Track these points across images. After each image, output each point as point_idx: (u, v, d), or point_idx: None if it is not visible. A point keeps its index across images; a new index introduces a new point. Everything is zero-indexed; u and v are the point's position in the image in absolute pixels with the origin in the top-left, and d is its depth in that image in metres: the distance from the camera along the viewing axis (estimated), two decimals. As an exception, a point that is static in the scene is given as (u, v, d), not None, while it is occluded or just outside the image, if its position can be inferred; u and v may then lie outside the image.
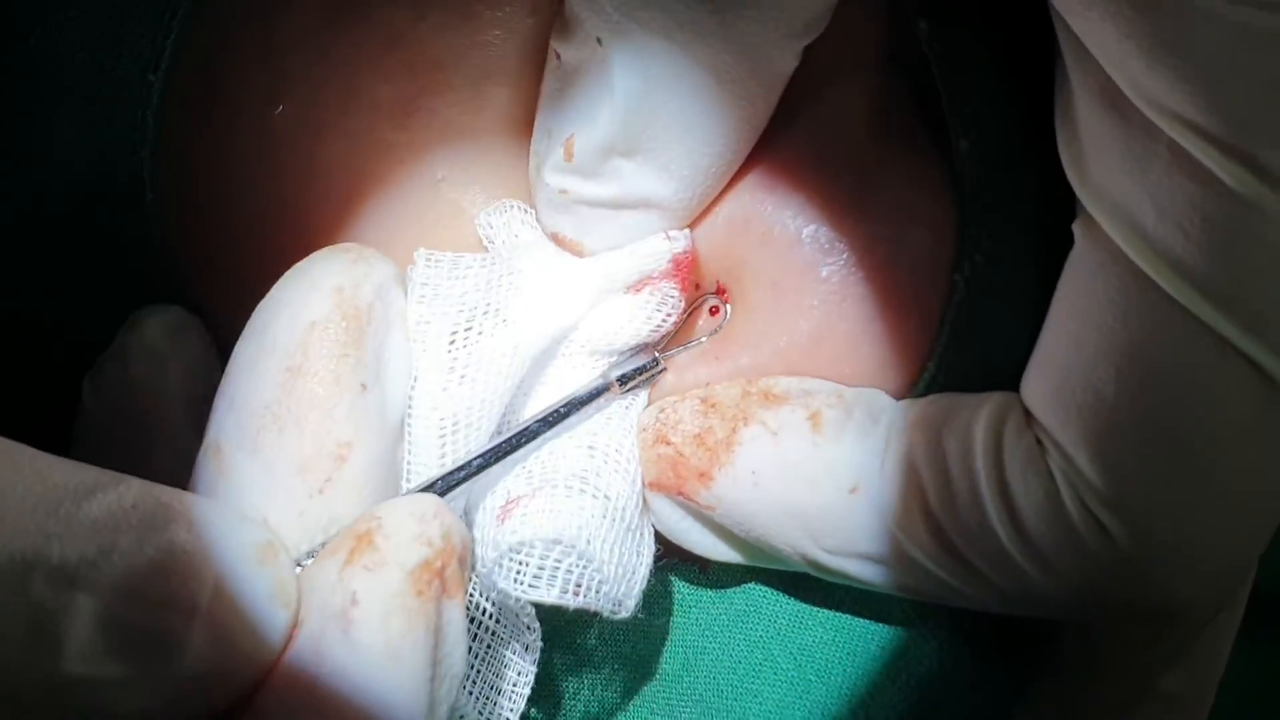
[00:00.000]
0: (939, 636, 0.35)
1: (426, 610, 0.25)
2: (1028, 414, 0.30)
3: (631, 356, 0.33)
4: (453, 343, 0.31)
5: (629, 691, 0.36)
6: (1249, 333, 0.27)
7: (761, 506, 0.32)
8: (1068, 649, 0.35)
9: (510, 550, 0.30)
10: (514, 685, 0.32)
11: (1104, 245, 0.28)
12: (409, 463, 0.30)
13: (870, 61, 0.34)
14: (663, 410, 0.33)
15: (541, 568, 0.30)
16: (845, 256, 0.33)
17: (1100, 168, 0.28)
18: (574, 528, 0.30)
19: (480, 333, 0.31)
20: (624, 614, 0.31)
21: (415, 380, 0.31)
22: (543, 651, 0.34)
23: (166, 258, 0.35)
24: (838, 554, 0.32)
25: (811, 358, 0.33)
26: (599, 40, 0.30)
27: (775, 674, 0.36)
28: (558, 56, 0.32)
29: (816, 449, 0.31)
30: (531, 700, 0.36)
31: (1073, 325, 0.29)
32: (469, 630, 0.32)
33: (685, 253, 0.33)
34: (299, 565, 0.26)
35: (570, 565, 0.30)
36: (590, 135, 0.32)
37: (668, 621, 0.37)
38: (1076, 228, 0.30)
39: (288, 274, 0.29)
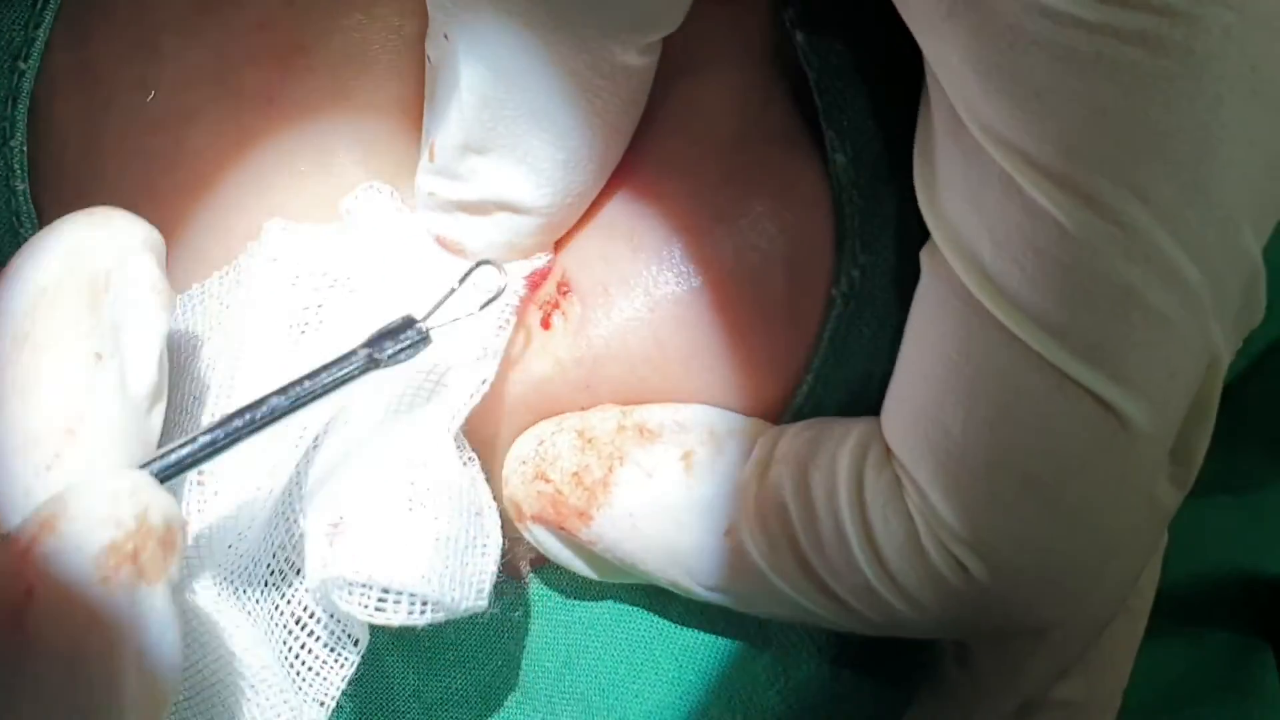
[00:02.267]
0: (817, 643, 0.36)
1: (115, 601, 0.23)
2: (888, 447, 0.30)
3: (392, 326, 0.31)
4: (293, 324, 0.31)
5: (509, 689, 0.37)
6: (1087, 364, 0.27)
7: (639, 545, 0.32)
8: (947, 665, 0.35)
9: (346, 582, 0.30)
10: (330, 672, 0.32)
11: (947, 276, 0.29)
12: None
13: (746, 65, 0.34)
14: (541, 443, 0.33)
15: (383, 602, 0.30)
16: (718, 266, 0.33)
17: (946, 195, 0.28)
18: (404, 569, 0.30)
19: (320, 306, 0.31)
20: (478, 610, 0.31)
21: (244, 350, 0.30)
22: (418, 649, 0.34)
23: None
24: (715, 590, 0.32)
25: (685, 368, 0.33)
26: (446, 36, 0.30)
27: (657, 673, 0.36)
28: (429, 59, 0.32)
29: (689, 491, 0.32)
30: (412, 699, 0.36)
31: (920, 358, 0.29)
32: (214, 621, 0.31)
33: (544, 268, 0.33)
34: None
35: (410, 603, 0.30)
36: (446, 133, 0.32)
37: (549, 619, 0.37)
38: (923, 256, 0.30)
39: (30, 240, 0.28)
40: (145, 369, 0.28)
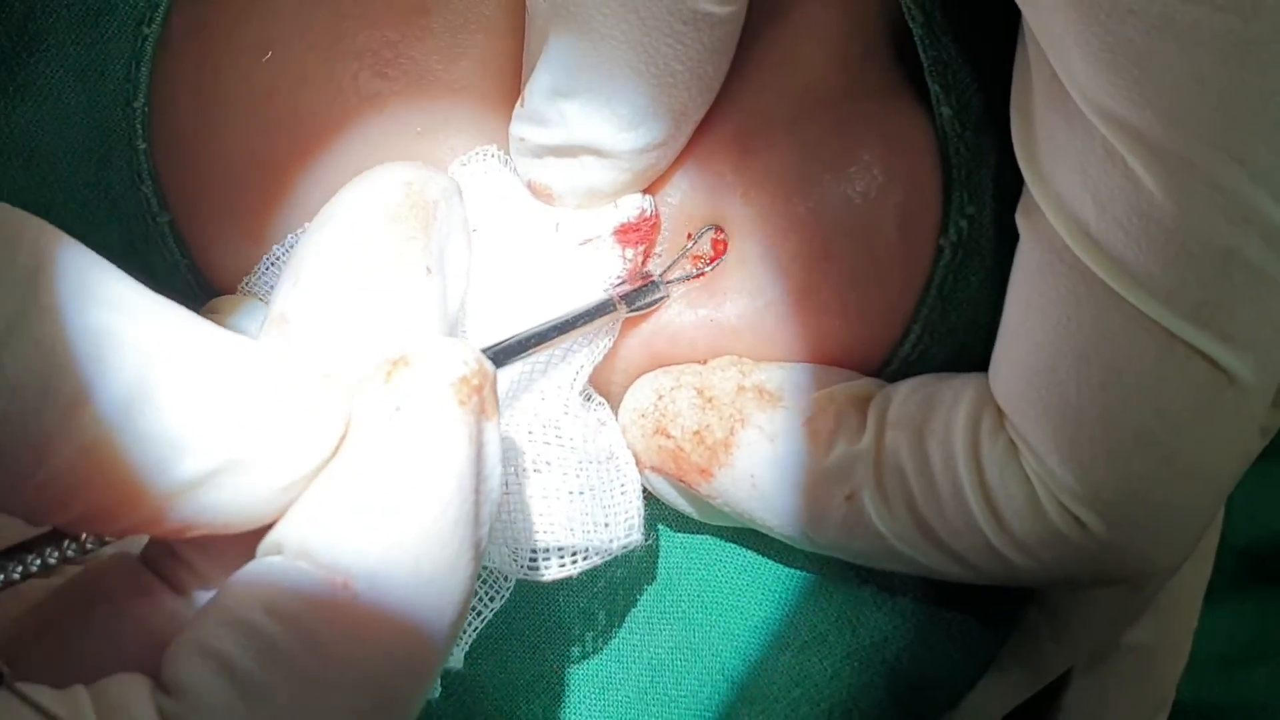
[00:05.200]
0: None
1: (469, 421, 0.25)
2: (1000, 410, 0.32)
3: (632, 281, 0.34)
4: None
5: (607, 610, 0.39)
6: (1194, 324, 0.28)
7: (759, 504, 0.34)
8: (1033, 612, 0.37)
9: (496, 548, 0.32)
10: (484, 606, 0.34)
11: (1049, 239, 0.30)
12: None
13: (845, 16, 0.34)
14: (660, 397, 0.35)
15: (533, 560, 0.32)
16: (827, 216, 0.34)
17: (1047, 158, 0.30)
18: (545, 527, 0.32)
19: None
20: (633, 545, 0.34)
21: None
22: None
23: (158, 206, 0.37)
24: (831, 548, 0.34)
25: (795, 316, 0.35)
26: None
27: (762, 592, 0.38)
28: (528, 11, 0.34)
29: (811, 458, 0.33)
30: (507, 617, 0.38)
31: (1028, 322, 0.31)
32: None
33: (636, 220, 0.34)
34: None
35: (560, 556, 0.32)
36: (536, 79, 0.33)
37: (653, 542, 0.39)
38: (1019, 219, 0.31)
39: (357, 177, 0.30)
40: (456, 292, 0.31)
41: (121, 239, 0.38)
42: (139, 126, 0.36)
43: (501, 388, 0.34)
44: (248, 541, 0.25)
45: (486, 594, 0.34)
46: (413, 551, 0.24)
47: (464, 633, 0.34)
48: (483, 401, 0.25)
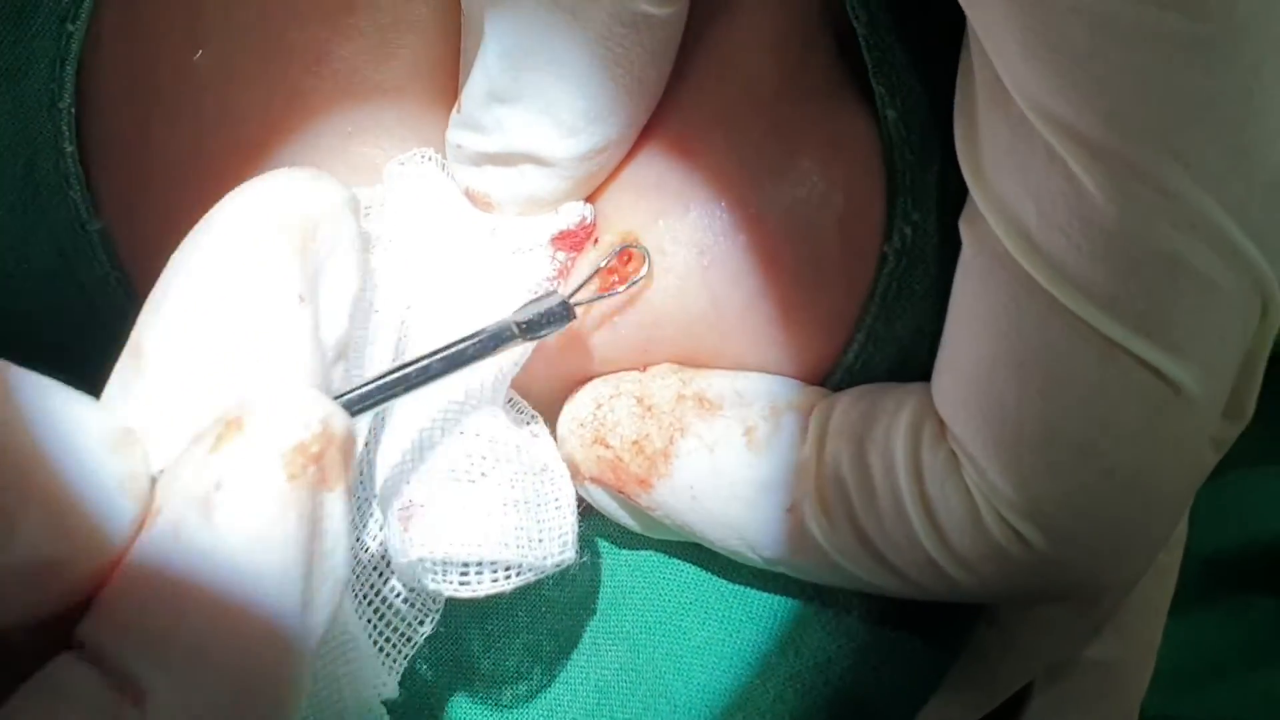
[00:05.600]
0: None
1: (300, 499, 0.23)
2: (941, 421, 0.31)
3: (536, 301, 0.33)
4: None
5: (554, 632, 0.38)
6: (1137, 333, 0.27)
7: (699, 517, 0.33)
8: (983, 630, 0.36)
9: (426, 562, 0.31)
10: (413, 631, 0.33)
11: (992, 246, 0.29)
12: None
13: (785, 16, 0.34)
14: (599, 406, 0.34)
15: (465, 574, 0.31)
16: (767, 222, 0.33)
17: (989, 162, 0.29)
18: (478, 540, 0.31)
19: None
20: (565, 563, 0.33)
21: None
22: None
23: (87, 214, 0.36)
24: (773, 563, 0.34)
25: (740, 326, 0.34)
26: None
27: (706, 612, 0.37)
28: (464, 13, 0.33)
29: (751, 468, 0.33)
30: (451, 642, 0.38)
31: (969, 330, 0.30)
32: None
33: (575, 228, 0.34)
34: None
35: (493, 571, 0.31)
36: (472, 84, 0.32)
37: (595, 562, 0.38)
38: (962, 225, 0.31)
39: (239, 187, 0.29)
40: (337, 320, 0.29)
41: (50, 247, 0.37)
42: (65, 128, 0.35)
43: (423, 397, 0.32)
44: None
45: (415, 617, 0.33)
46: (221, 657, 0.22)
47: (395, 660, 0.33)
48: (323, 470, 0.24)
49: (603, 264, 0.34)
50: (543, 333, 0.32)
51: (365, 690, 0.32)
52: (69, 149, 0.35)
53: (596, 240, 0.34)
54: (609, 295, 0.33)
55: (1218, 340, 0.27)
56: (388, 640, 0.33)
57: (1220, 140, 0.26)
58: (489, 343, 0.31)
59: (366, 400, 0.29)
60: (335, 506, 0.24)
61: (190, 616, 0.22)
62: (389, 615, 0.33)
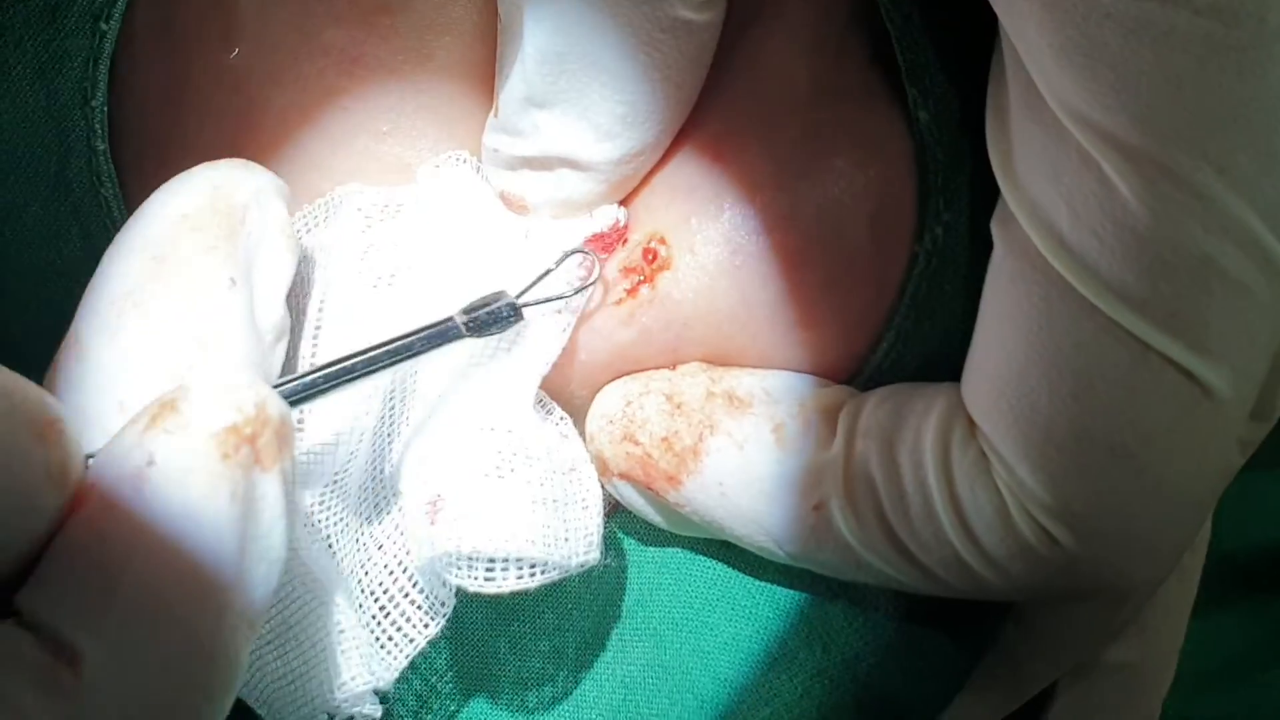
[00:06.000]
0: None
1: (233, 477, 0.24)
2: (971, 420, 0.31)
3: (485, 300, 0.33)
4: (375, 283, 0.33)
5: (581, 629, 0.38)
6: (1168, 334, 0.27)
7: (728, 513, 0.34)
8: (1009, 628, 0.36)
9: (453, 558, 0.31)
10: (416, 631, 0.33)
11: (1023, 247, 0.29)
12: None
13: (818, 20, 0.34)
14: (629, 404, 0.34)
15: (490, 569, 0.32)
16: (802, 222, 0.33)
17: (1022, 165, 0.29)
18: (506, 535, 0.31)
19: (393, 274, 0.33)
20: (590, 564, 0.33)
21: (327, 301, 0.32)
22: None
23: (119, 211, 0.36)
24: (800, 559, 0.34)
25: (770, 326, 0.34)
26: None
27: (733, 608, 0.38)
28: (500, 17, 0.33)
29: (780, 466, 0.33)
30: (480, 640, 0.38)
31: (1000, 331, 0.30)
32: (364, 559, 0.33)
33: (608, 230, 0.34)
34: None
35: (518, 568, 0.32)
36: (509, 89, 0.33)
37: (622, 560, 0.39)
38: (994, 227, 0.31)
39: (172, 179, 0.30)
40: (273, 304, 0.30)
41: (83, 244, 0.37)
42: (98, 126, 0.36)
43: (437, 389, 0.33)
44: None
45: (421, 620, 0.33)
46: (150, 628, 0.22)
47: (394, 658, 0.33)
48: (257, 452, 0.24)
49: (553, 269, 0.33)
50: (488, 332, 0.32)
51: (350, 682, 0.32)
52: (101, 147, 0.36)
53: (626, 241, 0.35)
54: (560, 298, 0.33)
55: (1248, 342, 0.28)
56: (390, 639, 0.33)
57: (1253, 144, 0.26)
58: (434, 338, 0.31)
59: (310, 389, 0.29)
60: (270, 488, 0.24)
61: (123, 586, 0.22)
62: (393, 614, 0.33)
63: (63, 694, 0.22)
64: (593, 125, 0.32)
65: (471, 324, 0.32)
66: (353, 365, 0.30)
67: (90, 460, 0.25)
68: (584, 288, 0.34)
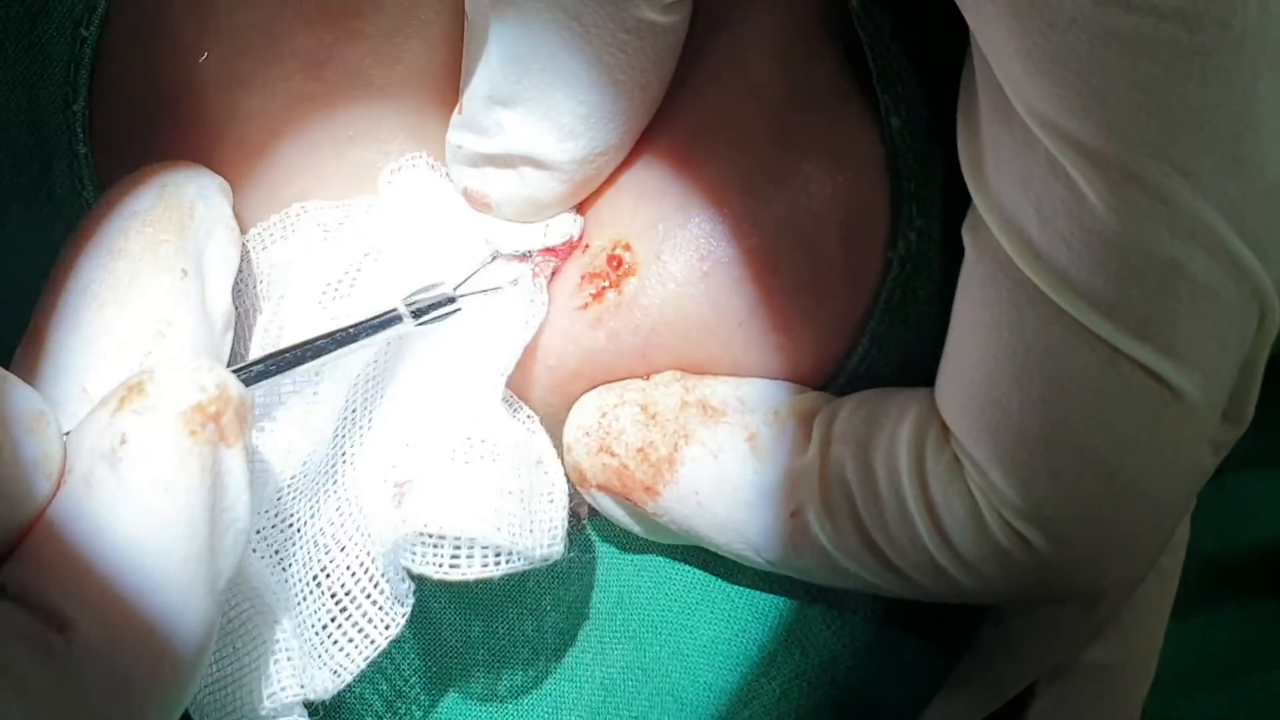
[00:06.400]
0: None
1: (201, 452, 0.25)
2: (945, 425, 0.32)
3: (425, 290, 0.34)
4: (325, 290, 0.34)
5: (559, 630, 0.38)
6: (1137, 338, 0.28)
7: (705, 522, 0.34)
8: (987, 630, 0.37)
9: (417, 538, 0.32)
10: (378, 632, 0.34)
11: (994, 253, 0.30)
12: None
13: (789, 24, 0.34)
14: (604, 415, 0.35)
15: (456, 555, 0.32)
16: (773, 227, 0.34)
17: (991, 170, 0.29)
18: (474, 518, 0.31)
19: (354, 280, 0.33)
20: (553, 557, 0.33)
21: (284, 305, 0.33)
22: (469, 593, 0.35)
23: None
24: (779, 565, 0.34)
25: (742, 333, 0.34)
26: None
27: (712, 610, 0.38)
28: (468, 16, 0.33)
29: (756, 474, 0.33)
30: (455, 644, 0.38)
31: (972, 336, 0.31)
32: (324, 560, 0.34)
33: (561, 245, 0.35)
34: None
35: (484, 555, 0.32)
36: (474, 86, 0.33)
37: (600, 561, 0.39)
38: (965, 233, 0.31)
39: (122, 179, 0.32)
40: (221, 294, 0.31)
41: (55, 244, 0.37)
42: (79, 130, 0.36)
43: (402, 391, 0.33)
44: None
45: (382, 620, 0.33)
46: (133, 594, 0.24)
47: (351, 661, 0.33)
48: (221, 429, 0.25)
49: (486, 263, 0.34)
50: (428, 318, 0.33)
51: (280, 693, 0.33)
52: (83, 151, 0.36)
53: (587, 246, 0.35)
54: (495, 289, 0.34)
55: (1216, 346, 0.28)
56: (350, 640, 0.33)
57: (1218, 149, 0.26)
58: (377, 325, 0.32)
59: (262, 373, 0.31)
60: (234, 462, 0.26)
61: (104, 557, 0.24)
62: (354, 614, 0.33)
63: (54, 659, 0.23)
64: (556, 124, 0.32)
65: (412, 309, 0.33)
66: (300, 351, 0.31)
67: (65, 438, 0.26)
68: (495, 288, 0.34)
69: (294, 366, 0.31)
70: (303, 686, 0.33)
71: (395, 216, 0.34)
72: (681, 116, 0.34)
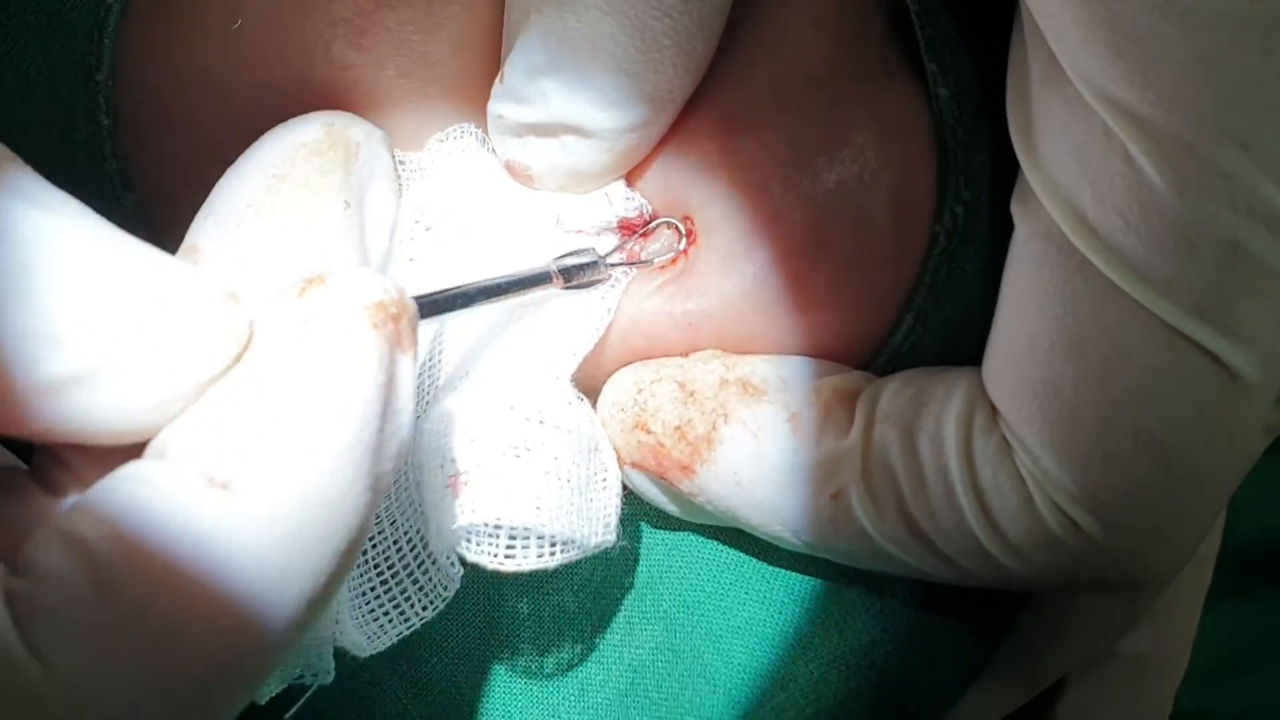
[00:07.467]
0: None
1: (381, 344, 0.25)
2: (993, 407, 0.31)
3: (573, 254, 0.34)
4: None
5: (588, 610, 0.38)
6: (1195, 318, 0.27)
7: (743, 502, 0.33)
8: (1026, 617, 0.37)
9: (474, 529, 0.32)
10: (414, 611, 0.34)
11: (1046, 228, 0.29)
12: None
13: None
14: (640, 391, 0.34)
15: (511, 547, 0.32)
16: (817, 202, 0.33)
17: (1044, 144, 0.29)
18: (530, 510, 0.31)
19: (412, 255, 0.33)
20: (607, 544, 0.33)
21: None
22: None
23: (121, 186, 0.36)
24: (817, 548, 0.34)
25: (782, 307, 0.34)
26: None
27: (746, 591, 0.38)
28: None
29: (796, 455, 0.33)
30: (484, 621, 0.38)
31: (1023, 315, 0.30)
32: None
33: (634, 218, 0.34)
34: None
35: (539, 543, 0.32)
36: (516, 55, 0.32)
37: (634, 541, 0.38)
38: (1014, 208, 0.31)
39: (284, 122, 0.31)
40: (380, 236, 0.31)
41: None
42: (102, 100, 0.35)
43: (465, 366, 0.33)
44: (132, 448, 0.24)
45: (420, 601, 0.33)
46: (302, 464, 0.23)
47: (384, 633, 0.33)
48: (399, 331, 0.25)
49: (641, 233, 0.34)
50: (576, 282, 0.33)
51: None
52: (105, 122, 0.35)
53: (647, 221, 0.35)
54: (641, 263, 0.34)
55: (1275, 326, 0.28)
56: (385, 614, 0.33)
57: (1279, 123, 0.26)
58: (527, 281, 0.32)
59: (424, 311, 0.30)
60: (406, 368, 0.25)
61: (281, 423, 0.24)
62: (394, 590, 0.33)
63: (223, 508, 0.23)
64: (599, 93, 0.32)
65: (564, 273, 0.33)
66: (450, 296, 0.31)
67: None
68: (665, 256, 0.34)
69: (444, 312, 0.31)
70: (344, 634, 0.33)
71: (446, 184, 0.34)
72: (728, 87, 0.34)
